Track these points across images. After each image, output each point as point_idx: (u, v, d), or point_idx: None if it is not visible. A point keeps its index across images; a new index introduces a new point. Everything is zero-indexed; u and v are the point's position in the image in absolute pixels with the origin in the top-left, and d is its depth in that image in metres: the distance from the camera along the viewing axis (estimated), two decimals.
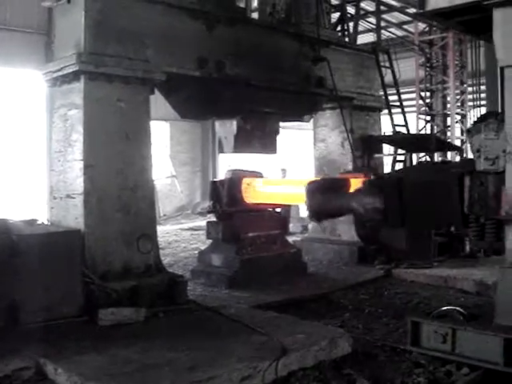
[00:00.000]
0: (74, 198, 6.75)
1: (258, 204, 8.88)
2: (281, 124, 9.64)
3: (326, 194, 6.81)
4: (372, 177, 6.94)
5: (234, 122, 8.79)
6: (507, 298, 5.27)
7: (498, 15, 5.40)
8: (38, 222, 6.80)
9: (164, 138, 21.05)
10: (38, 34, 15.57)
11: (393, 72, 11.16)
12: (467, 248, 9.73)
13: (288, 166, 17.29)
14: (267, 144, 9.28)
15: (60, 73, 6.90)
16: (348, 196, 6.74)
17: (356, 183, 6.97)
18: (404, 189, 6.10)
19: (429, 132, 19.15)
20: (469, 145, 5.98)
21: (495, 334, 4.94)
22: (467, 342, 5.10)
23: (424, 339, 5.38)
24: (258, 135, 9.08)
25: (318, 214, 7.05)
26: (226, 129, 8.94)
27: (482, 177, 5.59)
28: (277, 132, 9.42)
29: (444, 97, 19.70)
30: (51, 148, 7.37)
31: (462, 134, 18.86)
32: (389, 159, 11.47)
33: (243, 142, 8.92)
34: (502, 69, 5.50)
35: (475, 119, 6.28)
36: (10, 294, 5.69)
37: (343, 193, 6.82)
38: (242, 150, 9.10)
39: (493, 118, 5.63)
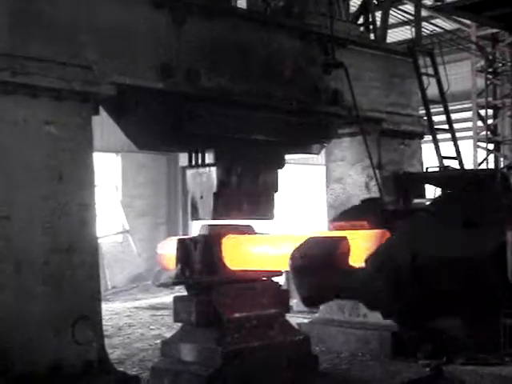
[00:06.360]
0: None
1: (247, 271, 8.84)
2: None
3: (318, 274, 6.88)
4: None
5: (214, 174, 8.72)
6: None
7: None
8: None
9: (114, 178, 21.10)
10: None
11: (439, 81, 11.24)
12: None
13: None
14: (261, 206, 9.25)
15: None
16: (348, 279, 6.80)
17: (356, 242, 7.00)
18: (422, 271, 6.21)
19: (492, 167, 19.20)
20: None
21: None
22: None
23: None
24: (247, 193, 9.04)
25: (311, 299, 7.13)
26: (202, 183, 8.88)
27: None
28: (274, 187, 9.39)
29: None
30: None
31: None
32: None
33: (226, 204, 8.86)
34: None
35: None
36: None
37: (340, 272, 6.88)
38: (225, 216, 8.96)
39: None
